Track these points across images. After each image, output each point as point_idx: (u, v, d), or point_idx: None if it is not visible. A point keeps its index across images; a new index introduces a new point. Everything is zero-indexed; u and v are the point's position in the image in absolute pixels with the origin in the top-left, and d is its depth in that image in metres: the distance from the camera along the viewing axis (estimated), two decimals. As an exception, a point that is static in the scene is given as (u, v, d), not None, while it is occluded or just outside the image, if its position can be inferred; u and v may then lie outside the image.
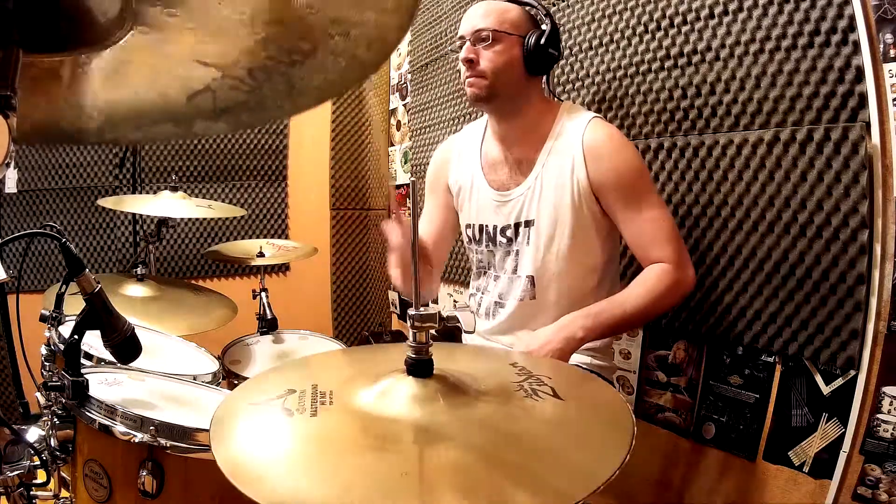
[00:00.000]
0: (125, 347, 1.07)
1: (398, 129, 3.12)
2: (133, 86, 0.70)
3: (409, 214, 0.74)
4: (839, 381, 1.23)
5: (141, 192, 2.90)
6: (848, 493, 1.20)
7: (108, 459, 0.99)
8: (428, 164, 1.73)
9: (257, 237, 2.82)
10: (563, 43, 1.82)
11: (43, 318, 1.18)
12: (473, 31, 1.37)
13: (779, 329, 1.32)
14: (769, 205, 1.32)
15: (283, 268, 3.21)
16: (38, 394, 1.08)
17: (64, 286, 1.13)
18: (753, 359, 1.40)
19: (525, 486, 0.55)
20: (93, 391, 1.03)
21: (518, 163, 1.44)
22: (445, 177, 1.62)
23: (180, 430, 0.98)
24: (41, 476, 1.02)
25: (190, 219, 3.00)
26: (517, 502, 0.53)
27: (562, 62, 1.84)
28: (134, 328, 1.08)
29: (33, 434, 1.04)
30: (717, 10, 1.39)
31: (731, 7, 1.36)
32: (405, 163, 3.02)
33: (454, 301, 2.54)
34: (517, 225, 1.43)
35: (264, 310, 2.10)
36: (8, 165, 0.50)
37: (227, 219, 3.09)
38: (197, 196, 2.96)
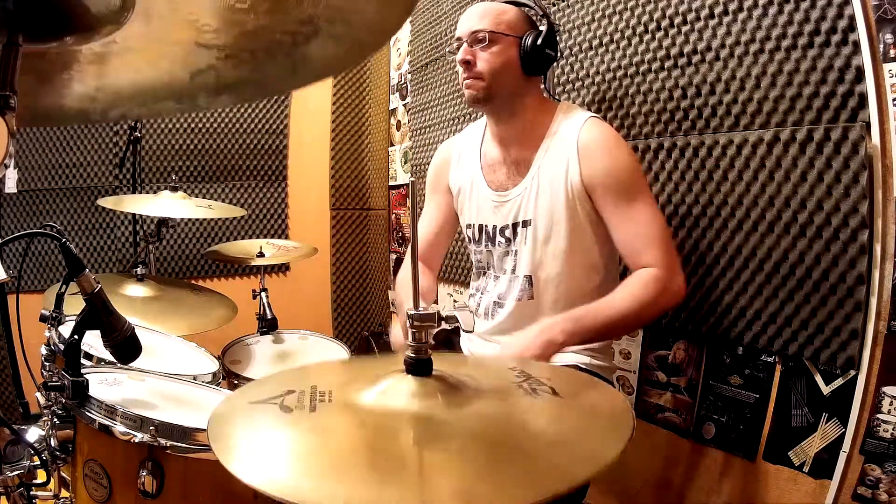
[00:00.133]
0: (125, 347, 1.07)
1: (398, 129, 3.12)
2: (136, 68, 0.71)
3: (409, 214, 0.74)
4: (839, 381, 1.23)
5: (141, 192, 2.90)
6: (848, 493, 1.20)
7: (108, 459, 0.99)
8: (428, 164, 1.73)
9: (257, 237, 2.82)
10: (564, 43, 1.82)
11: (43, 318, 1.18)
12: (470, 32, 1.38)
13: (779, 329, 1.32)
14: (769, 205, 1.32)
15: (283, 268, 3.21)
16: (38, 394, 1.08)
17: (64, 286, 1.13)
18: (753, 359, 1.40)
19: (524, 480, 0.55)
20: (93, 391, 1.03)
21: (516, 163, 1.45)
22: (446, 177, 1.62)
23: (180, 430, 0.98)
24: (41, 476, 1.02)
25: (190, 219, 3.01)
26: (517, 496, 0.53)
27: (562, 62, 1.84)
28: (134, 328, 1.08)
29: (33, 434, 1.04)
30: (717, 10, 1.39)
31: (731, 7, 1.36)
32: (405, 163, 3.03)
33: (454, 301, 2.54)
34: (515, 225, 1.44)
35: (264, 310, 2.10)
36: (7, 166, 0.50)
37: (227, 219, 3.09)
38: (197, 196, 2.96)
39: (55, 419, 1.03)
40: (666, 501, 1.61)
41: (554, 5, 1.86)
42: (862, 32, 1.13)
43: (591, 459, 0.56)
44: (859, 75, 1.15)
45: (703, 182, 1.45)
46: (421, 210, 1.70)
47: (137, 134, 2.43)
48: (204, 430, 0.98)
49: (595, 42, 1.72)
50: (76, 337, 1.03)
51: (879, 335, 1.16)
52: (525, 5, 1.45)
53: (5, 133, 0.49)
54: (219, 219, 3.06)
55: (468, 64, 1.37)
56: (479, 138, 1.56)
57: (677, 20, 1.48)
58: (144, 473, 0.95)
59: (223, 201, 3.01)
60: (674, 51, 1.50)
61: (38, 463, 1.00)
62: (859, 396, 1.18)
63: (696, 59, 1.45)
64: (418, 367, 0.69)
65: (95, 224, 2.89)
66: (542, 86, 1.49)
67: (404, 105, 3.02)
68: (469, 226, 1.56)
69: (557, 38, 1.43)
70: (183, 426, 0.98)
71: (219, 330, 1.85)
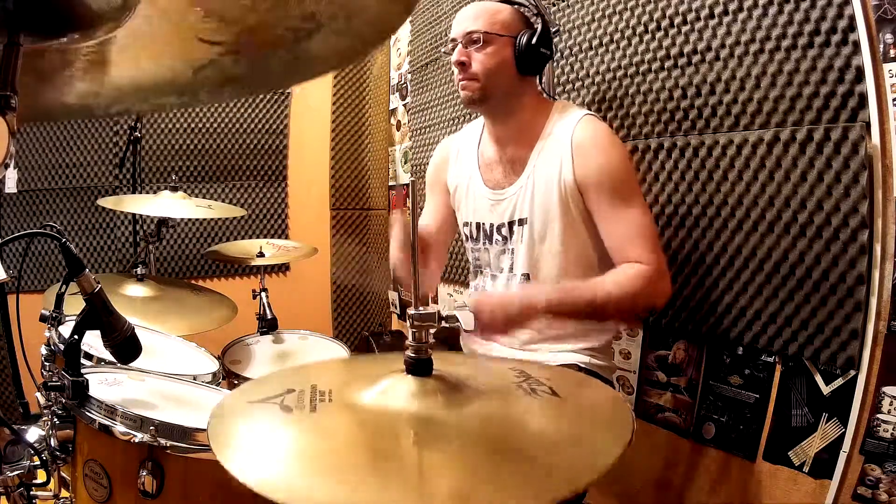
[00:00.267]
0: (125, 347, 1.07)
1: (398, 129, 3.12)
2: (138, 62, 0.71)
3: (409, 214, 0.74)
4: (839, 381, 1.23)
5: (141, 192, 2.89)
6: (848, 493, 1.20)
7: (108, 459, 0.99)
8: (428, 164, 1.73)
9: (257, 237, 2.81)
10: (563, 43, 1.82)
11: (43, 318, 1.18)
12: (464, 33, 1.38)
13: (779, 329, 1.32)
14: (769, 205, 1.32)
15: (283, 268, 3.21)
16: (38, 394, 1.08)
17: (64, 286, 1.13)
18: (753, 359, 1.40)
19: (525, 481, 0.55)
20: (93, 391, 1.03)
21: (512, 162, 1.45)
22: (444, 176, 1.62)
23: (180, 430, 0.98)
24: (41, 476, 1.02)
25: (190, 219, 3.00)
26: (517, 498, 0.53)
27: (562, 62, 1.84)
28: (134, 328, 1.08)
29: (33, 434, 1.04)
30: (717, 10, 1.39)
31: (731, 7, 1.36)
32: (405, 163, 3.03)
33: (454, 301, 2.54)
34: (511, 223, 1.44)
35: (264, 310, 2.10)
36: (7, 165, 0.50)
37: (227, 219, 3.09)
38: (197, 196, 2.96)
39: (55, 419, 1.03)
40: (666, 501, 1.61)
41: (554, 5, 1.86)
42: (862, 32, 1.13)
43: (591, 465, 0.56)
44: (859, 75, 1.15)
45: (703, 182, 1.45)
46: (422, 208, 1.70)
47: (137, 134, 2.43)
48: (204, 430, 0.98)
49: (595, 42, 1.72)
50: (76, 337, 1.03)
51: (879, 335, 1.16)
52: (520, 4, 1.45)
53: (6, 133, 0.49)
54: (219, 219, 3.06)
55: (463, 65, 1.38)
56: (477, 137, 1.56)
57: (677, 20, 1.48)
58: (144, 473, 0.95)
59: (223, 201, 3.01)
60: (674, 51, 1.50)
61: (38, 463, 1.00)
62: (859, 396, 1.18)
63: (696, 59, 1.45)
64: (418, 367, 0.69)
65: (95, 224, 2.89)
66: (539, 85, 1.49)
67: (404, 105, 3.02)
68: (466, 224, 1.57)
69: (553, 37, 1.43)
70: (183, 426, 0.98)
71: (219, 330, 1.85)
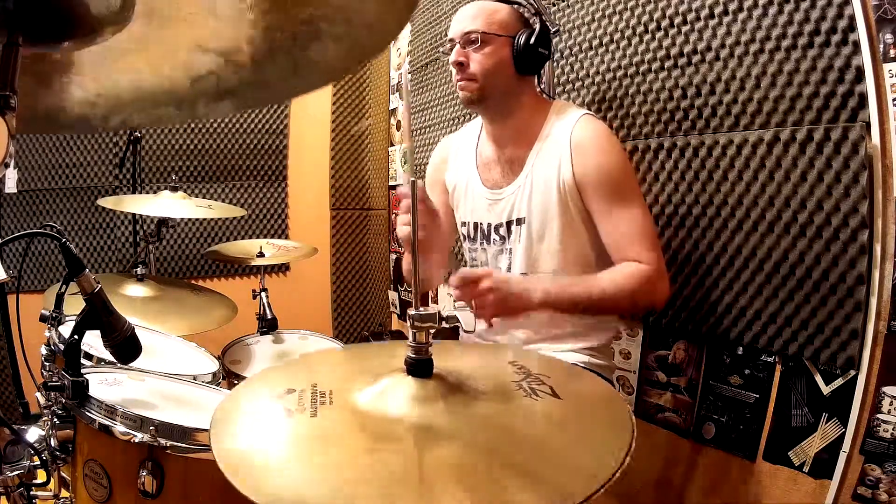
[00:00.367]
0: (125, 347, 1.07)
1: (398, 129, 3.12)
2: (136, 72, 0.71)
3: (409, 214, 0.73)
4: (839, 381, 1.23)
5: (141, 192, 2.89)
6: (848, 493, 1.20)
7: (108, 459, 0.99)
8: (427, 163, 1.73)
9: (257, 237, 2.82)
10: (564, 43, 1.82)
11: (43, 318, 1.18)
12: (462, 33, 1.38)
13: (779, 329, 1.32)
14: (769, 205, 1.32)
15: (283, 268, 3.21)
16: (38, 394, 1.08)
17: (64, 286, 1.13)
18: (753, 359, 1.40)
19: (525, 485, 0.55)
20: (93, 391, 1.03)
21: (510, 162, 1.45)
22: (443, 175, 1.62)
23: (180, 430, 0.98)
24: (41, 476, 1.02)
25: (190, 219, 3.01)
26: (517, 502, 0.53)
27: (562, 62, 1.84)
28: (134, 328, 1.08)
29: (33, 434, 1.03)
30: (717, 10, 1.39)
31: (731, 7, 1.36)
32: (405, 163, 3.02)
33: (454, 301, 2.54)
34: (509, 223, 1.44)
35: (264, 310, 2.10)
36: (7, 165, 0.50)
37: (227, 219, 3.09)
38: (197, 196, 2.96)
39: (55, 419, 1.03)
40: (666, 501, 1.61)
41: (554, 5, 1.86)
42: (862, 32, 1.13)
43: (591, 469, 0.56)
44: (859, 75, 1.15)
45: (703, 182, 1.45)
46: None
47: (137, 134, 2.43)
48: (204, 430, 0.98)
49: (595, 42, 1.72)
50: (76, 337, 1.03)
51: (879, 335, 1.16)
52: (518, 4, 1.45)
53: (5, 133, 0.49)
54: (219, 219, 3.06)
55: (461, 65, 1.38)
56: (476, 136, 1.56)
57: (677, 20, 1.48)
58: (144, 473, 0.95)
59: (223, 201, 3.01)
60: (674, 51, 1.50)
61: (38, 463, 1.00)
62: (859, 396, 1.18)
63: (696, 59, 1.45)
64: (418, 367, 0.69)
65: (95, 224, 2.89)
66: (538, 85, 1.49)
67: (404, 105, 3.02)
68: (464, 223, 1.57)
69: (553, 37, 1.43)
70: (183, 426, 0.98)
71: (219, 330, 1.85)
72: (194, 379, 1.33)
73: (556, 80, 1.84)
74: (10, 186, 2.69)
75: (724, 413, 1.46)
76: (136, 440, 0.95)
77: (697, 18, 1.44)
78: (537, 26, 1.38)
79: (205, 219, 3.02)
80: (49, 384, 1.03)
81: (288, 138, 3.20)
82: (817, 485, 1.26)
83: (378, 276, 3.40)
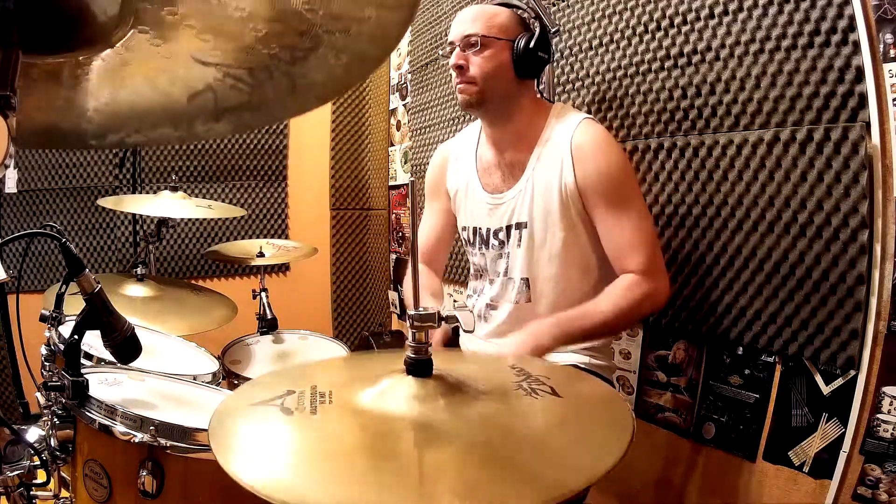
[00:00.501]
0: (125, 347, 1.07)
1: (398, 129, 3.12)
2: (133, 86, 0.70)
3: (409, 214, 0.74)
4: (839, 381, 1.23)
5: (141, 192, 2.90)
6: (848, 493, 1.20)
7: (108, 459, 0.99)
8: (428, 164, 1.73)
9: (257, 237, 2.82)
10: (564, 43, 1.82)
11: (43, 318, 1.18)
12: (462, 36, 1.38)
13: (779, 329, 1.32)
14: (769, 205, 1.32)
15: (283, 268, 3.21)
16: (38, 394, 1.08)
17: (64, 286, 1.13)
18: (753, 359, 1.40)
19: (524, 482, 0.55)
20: (93, 391, 1.03)
21: (510, 166, 1.45)
22: (443, 180, 1.62)
23: (180, 430, 0.98)
24: (41, 476, 1.02)
25: (190, 219, 3.00)
26: (517, 499, 0.53)
27: (562, 63, 1.84)
28: (134, 328, 1.08)
29: (33, 434, 1.03)
30: (717, 10, 1.39)
31: (731, 7, 1.36)
32: (405, 163, 3.03)
33: (454, 301, 2.54)
34: (509, 227, 1.44)
35: (264, 310, 2.10)
36: (7, 166, 0.50)
37: (227, 219, 3.09)
38: (197, 196, 2.96)
39: (55, 419, 1.03)
40: (666, 501, 1.61)
41: (554, 5, 1.86)
42: (862, 32, 1.13)
43: (592, 466, 0.56)
44: (859, 75, 1.15)
45: (703, 182, 1.45)
46: (421, 212, 1.70)
47: (137, 134, 2.42)
48: (204, 430, 0.98)
49: (595, 42, 1.72)
50: (76, 337, 1.03)
51: (879, 335, 1.16)
52: (518, 7, 1.45)
53: (5, 133, 0.49)
54: (219, 219, 3.06)
55: (461, 68, 1.37)
56: (475, 141, 1.56)
57: (677, 20, 1.48)
58: (144, 473, 0.95)
59: (223, 201, 3.01)
60: (674, 51, 1.50)
61: (38, 463, 1.00)
62: (859, 396, 1.18)
63: (696, 59, 1.45)
64: (418, 367, 0.69)
65: (95, 224, 2.89)
66: (536, 88, 1.49)
67: (404, 105, 3.02)
68: (464, 228, 1.57)
69: (553, 37, 1.43)
70: (183, 426, 0.98)
71: (219, 330, 1.85)
72: (194, 379, 1.33)
73: (555, 80, 1.84)
74: (10, 186, 2.69)
75: (724, 413, 1.46)
76: (136, 440, 0.95)
77: (697, 18, 1.44)
78: (537, 30, 1.38)
79: (205, 219, 3.01)
80: (49, 384, 1.03)
81: (288, 138, 3.20)
82: (817, 485, 1.26)
83: (378, 276, 3.40)
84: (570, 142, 1.34)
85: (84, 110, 0.74)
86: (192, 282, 2.71)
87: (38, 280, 2.75)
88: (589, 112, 1.68)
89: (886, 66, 1.12)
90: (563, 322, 1.26)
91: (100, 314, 1.03)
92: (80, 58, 0.63)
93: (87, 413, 0.99)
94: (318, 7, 0.56)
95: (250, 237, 2.96)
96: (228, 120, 0.72)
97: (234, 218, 3.07)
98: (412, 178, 1.48)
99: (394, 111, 3.18)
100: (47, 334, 1.18)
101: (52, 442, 1.02)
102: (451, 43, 1.40)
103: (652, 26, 1.55)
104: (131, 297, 1.84)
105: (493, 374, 0.78)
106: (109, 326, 1.04)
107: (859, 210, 1.17)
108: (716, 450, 1.48)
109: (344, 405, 0.68)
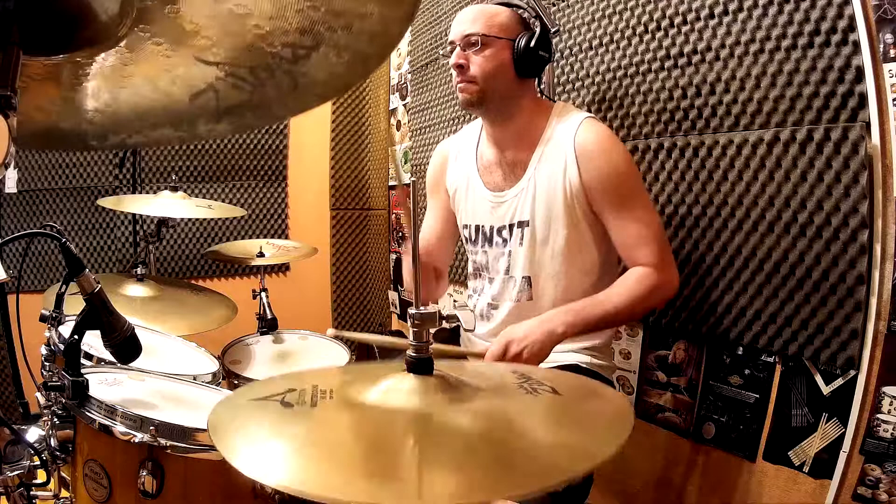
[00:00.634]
0: (125, 347, 1.07)
1: (398, 129, 3.12)
2: (134, 87, 0.70)
3: (410, 213, 0.74)
4: (839, 381, 1.23)
5: (141, 192, 2.90)
6: (848, 493, 1.20)
7: (108, 459, 0.99)
8: (428, 164, 1.73)
9: (257, 237, 2.81)
10: (564, 43, 1.82)
11: (43, 318, 1.18)
12: (462, 36, 1.38)
13: (779, 329, 1.32)
14: (769, 205, 1.32)
15: (283, 268, 3.21)
16: (38, 394, 1.08)
17: (64, 286, 1.13)
18: (753, 359, 1.40)
19: (524, 475, 0.55)
20: (93, 391, 1.03)
21: (512, 165, 1.45)
22: (443, 178, 1.62)
23: (180, 430, 0.98)
24: (41, 476, 1.02)
25: (190, 219, 3.00)
26: (516, 494, 0.53)
27: (562, 62, 1.84)
28: (134, 328, 1.08)
29: (33, 434, 1.03)
30: (717, 10, 1.39)
31: (731, 7, 1.36)
32: (405, 163, 3.03)
33: (454, 301, 2.54)
34: (511, 226, 1.44)
35: (264, 310, 2.10)
36: (8, 166, 0.50)
37: (227, 219, 3.09)
38: (197, 196, 2.96)
39: (55, 419, 1.03)
40: (666, 501, 1.61)
41: (554, 5, 1.86)
42: (862, 32, 1.14)
43: (589, 457, 0.56)
44: (859, 75, 1.15)
45: (703, 182, 1.45)
46: (423, 211, 1.70)
47: (137, 134, 2.42)
48: (204, 429, 0.98)
49: (595, 42, 1.72)
50: (76, 337, 1.03)
51: (879, 335, 1.16)
52: (518, 7, 1.45)
53: (6, 133, 0.49)
54: (219, 219, 3.06)
55: (461, 68, 1.38)
56: (476, 139, 1.56)
57: (677, 20, 1.48)
58: (144, 473, 0.94)
59: (223, 201, 3.00)
60: (674, 51, 1.50)
61: (38, 463, 1.00)
62: (859, 396, 1.18)
63: (696, 59, 1.45)
64: (419, 365, 0.69)
65: (95, 224, 2.89)
66: (538, 87, 1.49)
67: (404, 105, 3.02)
68: (466, 226, 1.56)
69: (553, 37, 1.43)
70: (183, 426, 0.98)
71: (219, 330, 1.85)
72: (194, 379, 1.33)
73: (556, 80, 1.84)
74: (10, 186, 2.69)
75: (724, 413, 1.46)
76: (136, 440, 0.95)
77: (697, 18, 1.44)
78: (537, 29, 1.38)
79: (205, 219, 3.01)
80: (49, 384, 1.03)
81: (288, 138, 3.20)
82: (817, 485, 1.26)
83: (378, 276, 3.40)
84: (573, 141, 1.34)
85: (85, 111, 0.74)
86: (192, 282, 2.71)
87: (38, 280, 2.75)
88: (589, 112, 1.68)
89: (886, 66, 1.12)
90: (577, 309, 1.27)
91: (100, 314, 1.03)
92: (81, 58, 0.62)
93: (87, 413, 0.99)
94: (320, 4, 0.56)
95: (250, 237, 2.95)
96: (229, 120, 0.72)
97: (234, 218, 3.06)
98: (412, 179, 1.48)
99: (394, 111, 3.18)
100: (47, 334, 1.18)
101: (52, 442, 1.02)
102: (452, 42, 1.40)
103: (652, 26, 1.55)
104: (131, 297, 1.84)
105: (494, 375, 0.78)
106: (109, 326, 1.04)
107: (859, 210, 1.17)
108: (716, 450, 1.48)
109: (344, 400, 0.68)
